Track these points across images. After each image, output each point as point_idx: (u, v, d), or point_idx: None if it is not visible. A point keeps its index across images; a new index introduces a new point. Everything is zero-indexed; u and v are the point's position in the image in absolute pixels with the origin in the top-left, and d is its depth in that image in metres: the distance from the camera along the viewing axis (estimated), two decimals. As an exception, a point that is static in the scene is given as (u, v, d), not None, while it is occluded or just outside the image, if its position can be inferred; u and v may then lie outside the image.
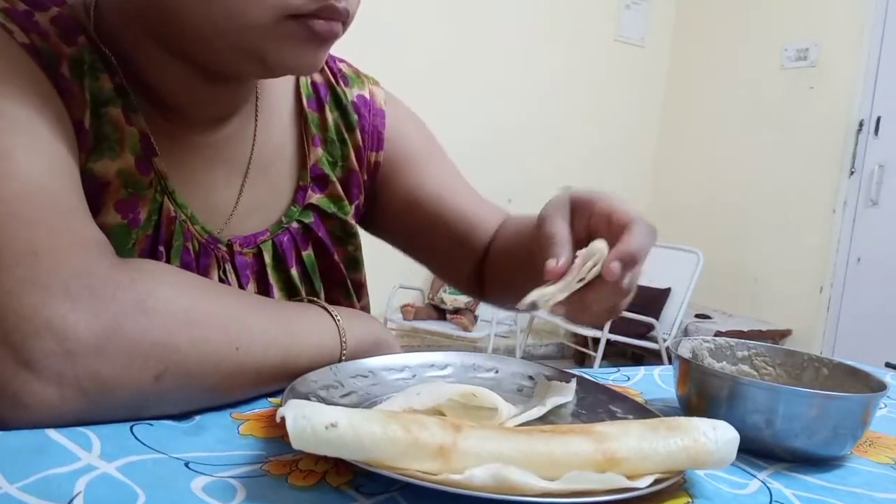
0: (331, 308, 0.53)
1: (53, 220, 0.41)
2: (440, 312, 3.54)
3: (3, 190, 0.40)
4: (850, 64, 3.29)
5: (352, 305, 0.69)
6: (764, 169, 3.62)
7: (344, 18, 0.49)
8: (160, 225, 0.55)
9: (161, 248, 0.55)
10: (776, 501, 0.38)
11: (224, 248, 0.59)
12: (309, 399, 0.42)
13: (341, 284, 0.68)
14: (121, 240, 0.53)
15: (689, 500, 0.37)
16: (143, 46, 0.53)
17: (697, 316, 3.53)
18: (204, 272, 0.58)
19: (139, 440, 0.38)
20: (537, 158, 3.71)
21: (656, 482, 0.35)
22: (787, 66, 3.55)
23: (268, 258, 0.62)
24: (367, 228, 0.74)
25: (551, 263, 0.46)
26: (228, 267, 0.60)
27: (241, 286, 0.60)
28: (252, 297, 0.49)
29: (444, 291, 3.57)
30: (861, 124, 3.27)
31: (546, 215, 0.51)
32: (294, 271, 0.63)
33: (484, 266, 0.74)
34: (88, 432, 0.38)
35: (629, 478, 0.34)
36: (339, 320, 0.52)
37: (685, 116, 4.11)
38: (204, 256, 0.58)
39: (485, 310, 3.52)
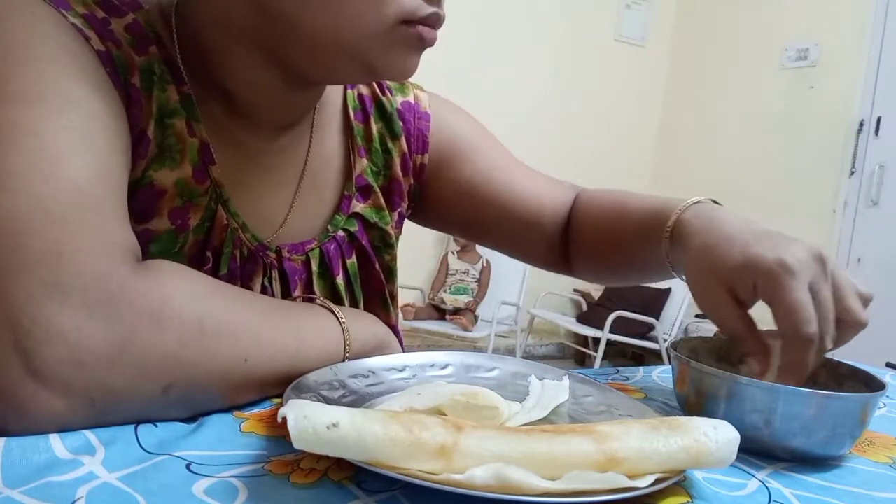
0: (336, 310, 0.53)
1: (85, 222, 0.41)
2: (440, 312, 3.55)
3: (41, 188, 0.40)
4: (850, 64, 3.29)
5: (388, 317, 0.69)
6: (764, 169, 3.62)
7: (440, 26, 0.51)
8: (211, 231, 0.56)
9: (208, 254, 0.56)
10: (775, 501, 0.38)
11: (273, 255, 0.60)
12: (310, 399, 0.42)
13: (380, 295, 0.69)
14: (168, 245, 0.54)
15: (689, 499, 0.37)
16: (228, 52, 0.53)
17: (698, 316, 3.53)
18: (248, 279, 0.59)
19: (142, 445, 0.38)
20: (537, 158, 3.69)
21: (657, 482, 0.35)
22: (787, 66, 3.55)
23: (315, 266, 0.63)
24: (423, 223, 0.77)
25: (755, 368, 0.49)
26: (275, 274, 0.60)
27: (288, 293, 0.61)
28: (261, 302, 0.49)
29: (445, 291, 3.58)
30: (861, 124, 3.27)
31: (713, 308, 0.51)
32: (339, 280, 0.65)
33: (568, 245, 0.75)
34: (92, 437, 0.38)
35: (630, 477, 0.35)
36: (344, 324, 0.52)
37: (685, 116, 4.11)
38: (251, 263, 0.59)
39: (485, 310, 3.52)
